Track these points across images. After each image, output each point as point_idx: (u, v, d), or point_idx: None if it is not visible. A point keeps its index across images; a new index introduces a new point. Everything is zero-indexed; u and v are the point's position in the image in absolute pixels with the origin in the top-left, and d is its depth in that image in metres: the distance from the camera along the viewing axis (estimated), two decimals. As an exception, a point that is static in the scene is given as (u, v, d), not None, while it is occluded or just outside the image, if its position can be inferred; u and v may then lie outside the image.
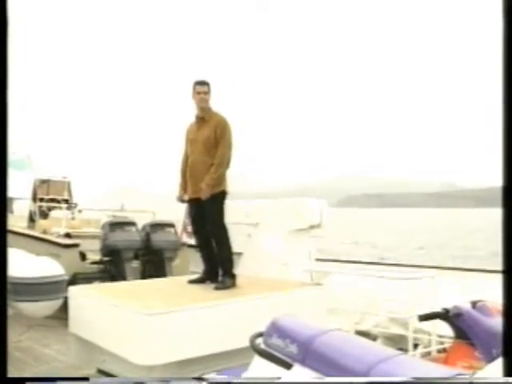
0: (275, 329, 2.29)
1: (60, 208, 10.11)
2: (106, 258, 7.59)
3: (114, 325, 4.10)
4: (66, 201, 11.11)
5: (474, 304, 2.82)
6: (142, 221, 8.21)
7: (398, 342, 4.75)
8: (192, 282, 5.19)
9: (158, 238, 7.82)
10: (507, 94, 1.75)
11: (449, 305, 2.93)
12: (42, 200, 10.77)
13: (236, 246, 5.30)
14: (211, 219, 5.02)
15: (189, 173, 5.13)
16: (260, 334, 2.37)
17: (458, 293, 4.58)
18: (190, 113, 5.18)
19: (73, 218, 9.53)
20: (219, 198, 4.99)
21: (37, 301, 5.09)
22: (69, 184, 12.00)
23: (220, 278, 5.04)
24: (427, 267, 6.15)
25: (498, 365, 1.59)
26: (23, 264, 5.34)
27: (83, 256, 7.62)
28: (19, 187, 10.49)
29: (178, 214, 8.50)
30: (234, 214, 5.08)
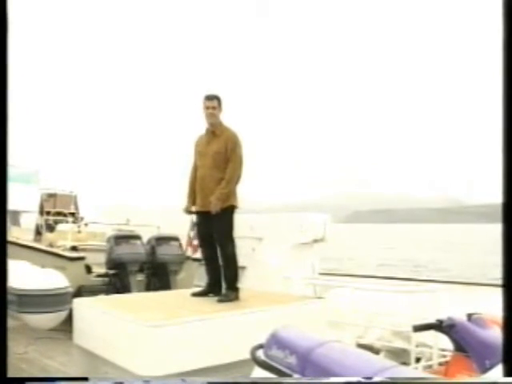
0: (275, 340, 2.32)
1: (66, 221, 10.18)
2: (111, 271, 7.63)
3: (118, 336, 4.13)
4: (73, 214, 11.18)
5: (469, 316, 2.84)
6: (147, 235, 8.26)
7: (400, 356, 4.76)
8: (195, 294, 5.21)
9: (162, 252, 7.86)
10: (507, 112, 1.79)
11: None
12: (48, 213, 10.84)
13: (240, 260, 5.34)
14: (220, 233, 5.04)
15: (198, 186, 5.13)
16: (260, 346, 2.39)
17: (459, 306, 4.59)
18: (192, 127, 5.18)
19: (79, 232, 9.59)
20: (229, 212, 5.01)
21: (42, 312, 5.13)
22: (75, 198, 12.08)
23: (223, 291, 5.06)
24: (430, 281, 6.16)
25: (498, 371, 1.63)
26: (29, 276, 5.39)
27: (89, 269, 7.67)
28: (26, 200, 10.57)
29: (182, 228, 8.54)
30: (238, 227, 5.12)
